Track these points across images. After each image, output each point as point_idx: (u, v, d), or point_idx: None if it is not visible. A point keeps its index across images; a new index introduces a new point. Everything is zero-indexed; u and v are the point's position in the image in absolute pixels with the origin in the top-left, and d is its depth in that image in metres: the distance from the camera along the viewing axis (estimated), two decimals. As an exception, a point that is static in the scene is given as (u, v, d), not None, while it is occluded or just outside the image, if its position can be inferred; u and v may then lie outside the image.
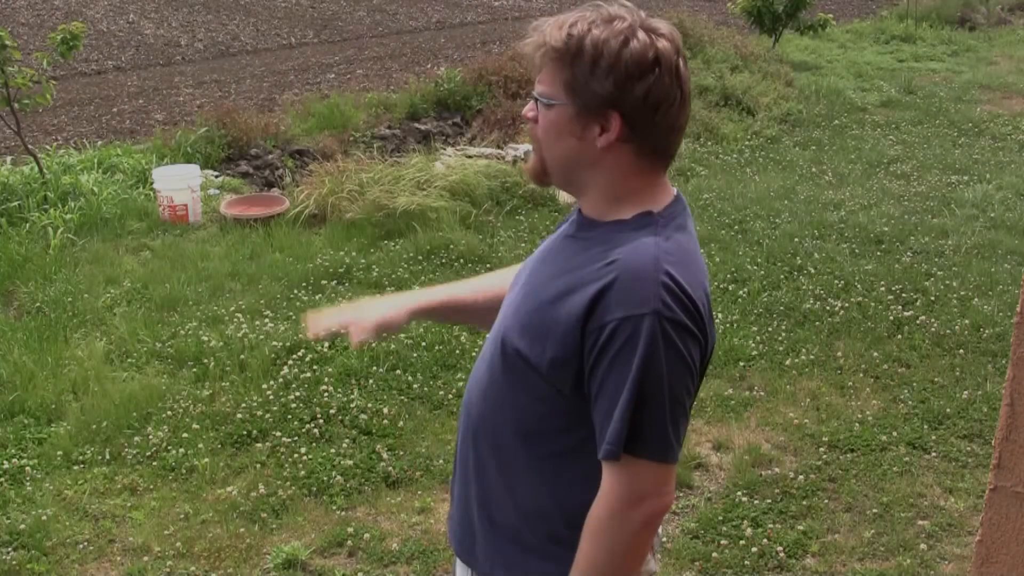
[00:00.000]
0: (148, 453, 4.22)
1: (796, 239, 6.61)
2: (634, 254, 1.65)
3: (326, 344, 5.06)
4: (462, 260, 6.18)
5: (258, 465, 4.17)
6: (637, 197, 1.73)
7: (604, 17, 1.68)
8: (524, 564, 1.82)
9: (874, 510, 3.91)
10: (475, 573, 1.91)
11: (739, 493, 3.99)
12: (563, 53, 1.68)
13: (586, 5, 1.71)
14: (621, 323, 1.61)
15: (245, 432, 4.36)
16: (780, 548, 3.65)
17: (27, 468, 4.11)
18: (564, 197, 7.05)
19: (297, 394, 4.62)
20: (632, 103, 1.67)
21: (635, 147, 1.71)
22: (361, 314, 2.08)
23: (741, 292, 5.75)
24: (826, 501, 3.98)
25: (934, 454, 4.30)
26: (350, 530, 3.75)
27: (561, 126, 1.72)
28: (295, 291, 5.73)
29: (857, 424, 4.49)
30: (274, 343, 5.06)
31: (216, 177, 7.92)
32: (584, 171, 1.74)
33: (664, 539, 1.79)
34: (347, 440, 4.32)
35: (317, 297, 5.66)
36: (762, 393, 4.76)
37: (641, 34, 1.67)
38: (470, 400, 1.88)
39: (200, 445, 4.25)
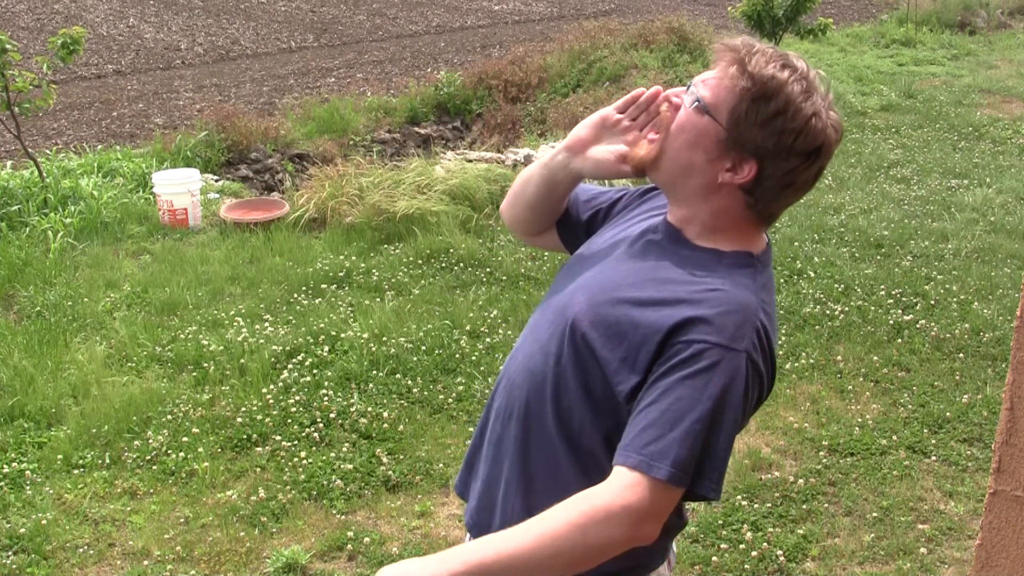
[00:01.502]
0: (148, 457, 4.22)
1: (796, 243, 6.61)
2: (737, 291, 1.66)
3: (326, 348, 5.06)
4: (462, 264, 6.18)
5: (258, 469, 4.17)
6: (735, 235, 1.74)
7: (808, 83, 1.64)
8: None
9: (874, 514, 3.91)
10: None
11: (739, 497, 3.98)
12: (754, 87, 1.63)
13: (796, 55, 1.67)
14: (710, 348, 1.59)
15: (245, 436, 4.36)
16: (780, 552, 3.65)
17: (27, 472, 4.11)
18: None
19: (297, 398, 4.62)
20: (775, 169, 1.66)
21: (748, 200, 1.70)
22: None
23: (741, 296, 5.75)
24: (826, 505, 3.98)
25: (934, 458, 4.30)
26: (350, 534, 3.75)
27: (699, 137, 1.68)
28: (295, 295, 5.73)
29: (857, 428, 4.49)
30: (274, 347, 5.06)
31: (216, 181, 7.93)
32: (692, 188, 1.72)
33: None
34: (347, 444, 4.32)
35: (317, 301, 5.66)
36: (762, 397, 4.76)
37: (825, 117, 1.65)
38: (513, 379, 1.82)
39: (200, 449, 4.25)
